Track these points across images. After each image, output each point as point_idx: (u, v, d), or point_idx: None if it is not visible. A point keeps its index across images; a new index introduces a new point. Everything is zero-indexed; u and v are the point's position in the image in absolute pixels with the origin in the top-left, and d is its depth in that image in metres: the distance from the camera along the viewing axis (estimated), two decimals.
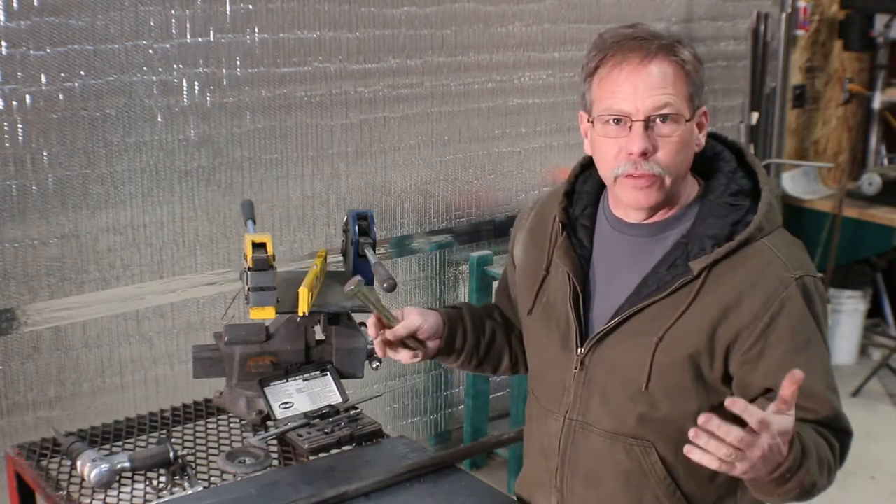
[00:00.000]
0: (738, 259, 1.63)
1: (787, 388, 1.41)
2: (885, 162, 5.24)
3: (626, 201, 1.68)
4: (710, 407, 1.60)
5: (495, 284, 3.72)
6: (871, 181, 4.67)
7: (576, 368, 1.74)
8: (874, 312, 5.16)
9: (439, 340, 1.87)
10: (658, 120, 1.59)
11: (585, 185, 1.81)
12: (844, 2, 4.96)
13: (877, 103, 5.12)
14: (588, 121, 1.69)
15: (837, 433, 1.63)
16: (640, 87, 1.59)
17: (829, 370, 1.65)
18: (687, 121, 1.61)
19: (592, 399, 1.73)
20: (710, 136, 1.77)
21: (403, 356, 1.82)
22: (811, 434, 1.56)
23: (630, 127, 1.60)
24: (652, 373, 1.65)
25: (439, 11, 3.55)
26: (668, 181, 1.63)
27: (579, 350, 1.73)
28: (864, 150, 5.32)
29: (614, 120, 1.62)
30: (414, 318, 1.81)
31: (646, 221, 1.71)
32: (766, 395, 1.62)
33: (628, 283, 1.70)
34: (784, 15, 4.64)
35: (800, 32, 4.82)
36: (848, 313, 4.88)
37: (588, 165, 1.82)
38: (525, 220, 1.93)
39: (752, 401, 1.62)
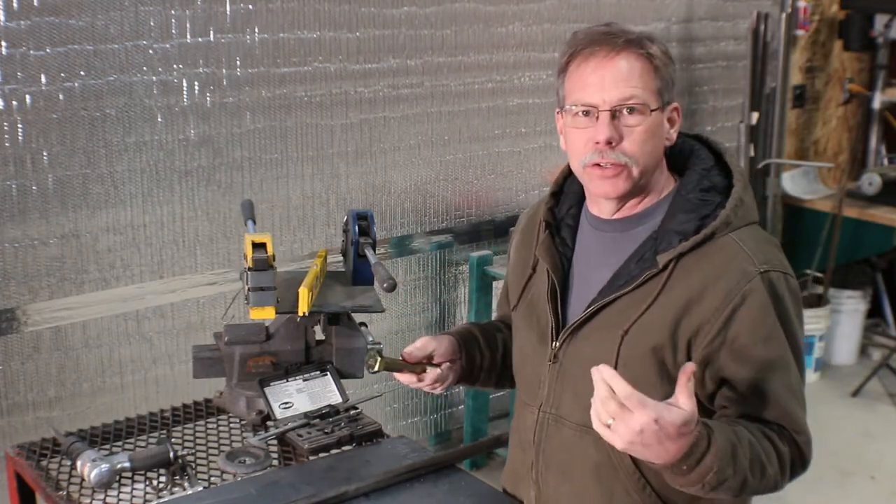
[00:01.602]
0: (704, 253, 1.64)
1: (680, 378, 1.43)
2: (885, 162, 5.24)
3: (595, 191, 1.72)
4: None
5: (495, 284, 3.77)
6: (871, 181, 4.67)
7: (549, 361, 1.77)
8: (874, 312, 5.16)
9: (459, 363, 1.91)
10: (624, 111, 1.63)
11: (573, 185, 1.85)
12: (844, 2, 4.96)
13: (877, 103, 5.13)
14: (561, 116, 1.72)
15: (789, 437, 1.61)
16: (606, 80, 1.63)
17: (791, 371, 1.63)
18: (652, 111, 1.64)
19: (565, 392, 1.75)
20: (694, 137, 1.80)
21: (427, 382, 1.88)
22: (741, 432, 1.53)
23: (597, 118, 1.64)
24: (618, 365, 1.65)
25: (439, 11, 3.55)
26: (634, 171, 1.65)
27: (554, 343, 1.76)
28: (864, 150, 5.32)
29: (583, 112, 1.66)
30: (426, 341, 1.87)
31: (617, 217, 1.73)
32: (722, 388, 1.63)
33: (602, 277, 1.72)
34: (784, 15, 4.64)
35: (800, 32, 4.82)
36: (848, 313, 4.87)
37: None
38: (521, 222, 1.98)
39: (711, 395, 1.65)
